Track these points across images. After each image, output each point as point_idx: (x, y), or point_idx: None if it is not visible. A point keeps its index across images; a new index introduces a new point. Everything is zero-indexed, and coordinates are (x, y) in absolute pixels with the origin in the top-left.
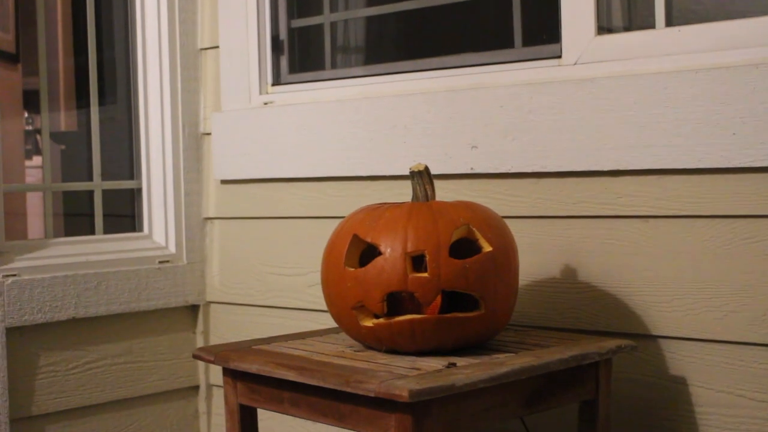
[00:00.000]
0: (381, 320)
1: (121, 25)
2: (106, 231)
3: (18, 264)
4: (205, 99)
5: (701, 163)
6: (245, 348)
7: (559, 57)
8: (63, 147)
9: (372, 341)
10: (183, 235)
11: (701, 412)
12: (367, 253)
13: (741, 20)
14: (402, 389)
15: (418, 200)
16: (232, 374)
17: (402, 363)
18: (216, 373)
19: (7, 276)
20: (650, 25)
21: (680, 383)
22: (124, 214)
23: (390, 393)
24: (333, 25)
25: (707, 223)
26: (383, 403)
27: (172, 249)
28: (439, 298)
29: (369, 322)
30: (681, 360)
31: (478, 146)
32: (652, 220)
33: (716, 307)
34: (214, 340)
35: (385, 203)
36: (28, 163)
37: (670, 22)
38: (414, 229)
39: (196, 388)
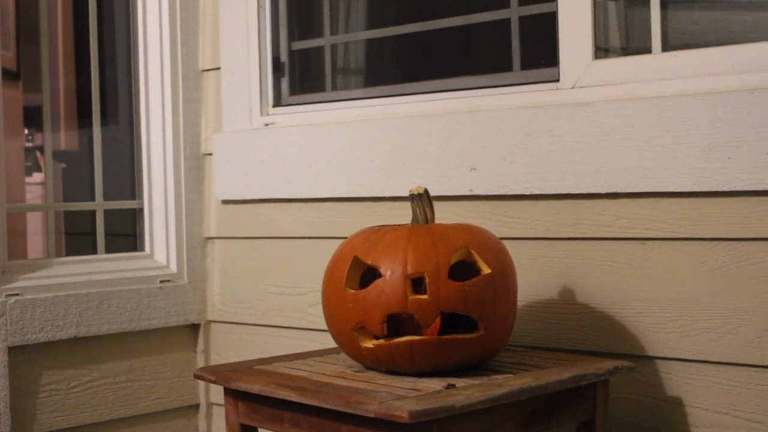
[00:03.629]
0: (381, 341)
1: (123, 45)
2: (108, 250)
3: (20, 283)
4: (207, 120)
5: (697, 186)
6: (246, 368)
7: (557, 81)
8: (63, 166)
9: (372, 362)
10: (184, 255)
11: None
12: (368, 274)
13: (736, 45)
14: (402, 410)
15: (418, 223)
16: (233, 394)
17: (402, 384)
18: (216, 391)
19: (10, 295)
20: (647, 45)
21: (677, 404)
22: (126, 233)
23: (390, 414)
24: (333, 47)
25: (703, 246)
26: (383, 424)
27: (173, 268)
28: (438, 320)
29: (369, 343)
30: (678, 381)
31: (477, 168)
32: (649, 243)
33: (713, 328)
34: (215, 359)
35: (385, 225)
36: (27, 179)
37: (666, 45)
38: (414, 251)
39: (197, 406)
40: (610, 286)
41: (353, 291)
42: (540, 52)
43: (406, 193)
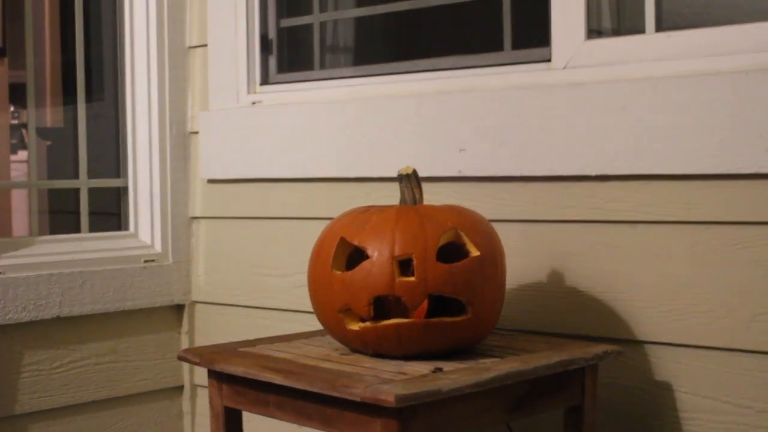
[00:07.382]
0: (367, 324)
1: (109, 21)
2: (92, 229)
3: (3, 262)
4: (193, 98)
5: (689, 169)
6: (231, 350)
7: (549, 61)
8: (49, 143)
9: (358, 345)
10: (169, 235)
11: (686, 417)
12: (355, 256)
13: (730, 26)
14: (388, 394)
15: (406, 203)
16: (217, 376)
17: (388, 367)
18: (200, 373)
19: None
20: (640, 28)
21: (666, 389)
22: (110, 212)
23: (376, 398)
24: (322, 25)
25: (695, 229)
26: (369, 408)
27: (158, 248)
28: (425, 303)
29: (355, 326)
30: (667, 366)
31: (466, 149)
32: (639, 226)
33: (703, 313)
34: (199, 340)
35: (372, 206)
36: (12, 157)
37: (659, 26)
38: (401, 233)
39: (181, 388)
40: (599, 269)
41: (340, 272)
42: (532, 31)
43: (394, 174)
